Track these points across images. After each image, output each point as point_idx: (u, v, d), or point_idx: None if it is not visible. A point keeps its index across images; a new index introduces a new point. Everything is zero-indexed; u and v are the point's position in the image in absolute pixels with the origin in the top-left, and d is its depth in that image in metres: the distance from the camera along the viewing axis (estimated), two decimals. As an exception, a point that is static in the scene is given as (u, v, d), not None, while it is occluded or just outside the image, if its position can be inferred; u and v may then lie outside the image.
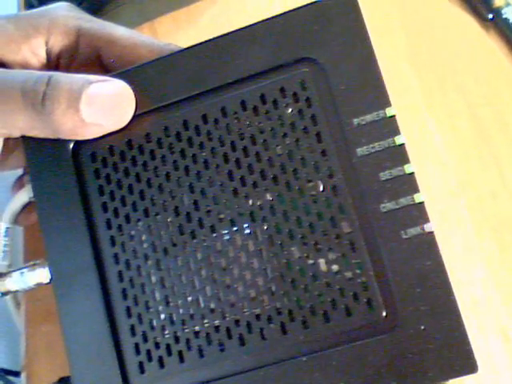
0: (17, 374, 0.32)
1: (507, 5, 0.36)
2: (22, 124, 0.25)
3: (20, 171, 0.31)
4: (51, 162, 0.26)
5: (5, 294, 0.28)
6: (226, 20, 0.40)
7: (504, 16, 0.36)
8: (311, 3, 0.25)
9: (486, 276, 0.31)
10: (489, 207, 0.33)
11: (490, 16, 0.36)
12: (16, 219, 0.29)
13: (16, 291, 0.28)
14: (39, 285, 0.27)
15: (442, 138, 0.34)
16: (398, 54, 0.36)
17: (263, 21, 0.25)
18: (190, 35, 0.40)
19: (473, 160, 0.34)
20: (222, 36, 0.25)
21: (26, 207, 0.29)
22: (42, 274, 0.27)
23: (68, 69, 0.28)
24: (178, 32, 0.40)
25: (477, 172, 0.34)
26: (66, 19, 0.28)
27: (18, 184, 0.31)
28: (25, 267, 0.27)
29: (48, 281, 0.27)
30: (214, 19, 0.40)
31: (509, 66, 0.35)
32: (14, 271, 0.28)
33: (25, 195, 0.28)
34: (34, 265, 0.27)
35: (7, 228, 0.29)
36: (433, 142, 0.34)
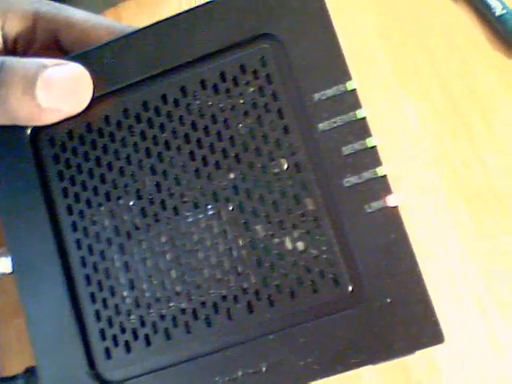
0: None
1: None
2: None
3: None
4: (8, 148, 0.25)
5: (-33, 285, 0.27)
6: (191, 5, 0.39)
7: None
8: None
9: (461, 247, 0.32)
10: (462, 179, 0.33)
11: None
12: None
13: (-21, 282, 0.27)
14: (2, 275, 0.27)
15: (414, 112, 0.34)
16: (370, 29, 0.36)
17: None
18: (154, 20, 0.39)
19: (446, 132, 0.34)
20: (179, 14, 0.25)
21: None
22: (4, 264, 0.26)
23: (26, 53, 0.27)
24: (142, 17, 0.40)
25: (450, 144, 0.34)
26: (23, 3, 0.27)
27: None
28: (-14, 257, 0.27)
29: (11, 270, 0.26)
30: (179, 4, 0.40)
31: (479, 37, 0.35)
32: (-25, 262, 0.27)
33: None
34: (-3, 255, 0.27)
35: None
36: (406, 116, 0.34)
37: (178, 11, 0.39)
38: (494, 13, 0.35)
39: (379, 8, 0.36)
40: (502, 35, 0.35)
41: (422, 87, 0.35)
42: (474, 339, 0.30)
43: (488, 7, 0.35)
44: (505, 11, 0.35)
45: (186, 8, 0.39)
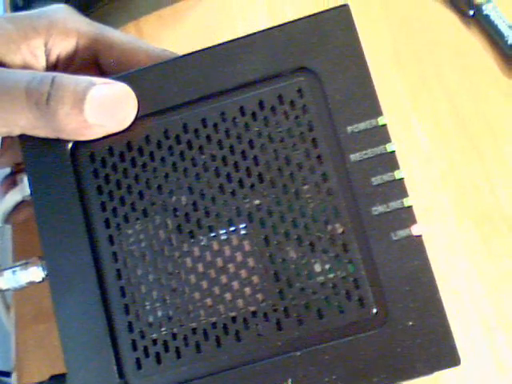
0: (7, 374, 0.32)
1: (488, 1, 0.38)
2: (24, 123, 0.25)
3: (7, 170, 0.31)
4: (49, 161, 0.26)
5: (-4, 292, 0.28)
6: (212, 19, 0.41)
7: (485, 12, 0.38)
8: (309, 15, 0.26)
9: (469, 267, 0.33)
10: (471, 200, 0.34)
11: (471, 12, 0.38)
12: (7, 218, 0.30)
13: (7, 289, 0.28)
14: (31, 283, 0.27)
15: (425, 133, 0.36)
16: (382, 52, 0.38)
17: (263, 30, 0.26)
18: (175, 34, 0.40)
19: (456, 154, 0.35)
20: (223, 43, 0.26)
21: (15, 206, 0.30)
22: (35, 273, 0.27)
23: (66, 71, 0.28)
24: (163, 31, 0.41)
25: (459, 166, 0.35)
26: (66, 21, 0.28)
27: (7, 183, 0.31)
28: (17, 266, 0.28)
29: (40, 279, 0.27)
30: (200, 18, 0.41)
31: (490, 61, 0.37)
32: (5, 270, 0.28)
33: (18, 194, 0.29)
34: (27, 263, 0.27)
35: (-2, 227, 0.30)
36: (416, 138, 0.36)
37: (199, 27, 0.40)
38: (507, 41, 0.37)
39: (392, 31, 0.38)
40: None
41: (432, 109, 0.36)
42: (479, 359, 0.31)
43: (501, 35, 0.37)
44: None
45: (205, 24, 0.41)
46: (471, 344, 0.31)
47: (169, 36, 0.41)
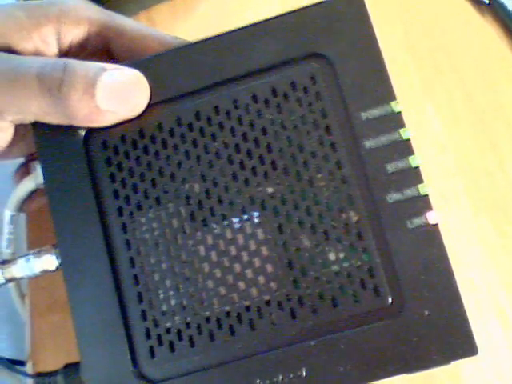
0: (22, 363, 0.32)
1: (503, -12, 0.37)
2: (37, 109, 0.25)
3: (21, 160, 0.31)
4: (62, 149, 0.26)
5: (10, 280, 0.28)
6: (223, 8, 0.40)
7: (500, 0, 0.37)
8: (322, 1, 0.26)
9: (484, 258, 0.33)
10: (486, 189, 0.34)
11: (487, 0, 0.37)
12: (21, 206, 0.30)
13: (21, 278, 0.28)
14: (45, 272, 0.27)
15: (440, 122, 0.35)
16: (396, 40, 0.37)
17: (275, 17, 0.26)
18: (187, 24, 0.40)
19: (470, 142, 0.35)
20: (234, 30, 0.26)
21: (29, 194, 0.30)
22: (49, 261, 0.27)
23: (77, 58, 0.28)
24: (175, 20, 0.40)
25: (474, 154, 0.35)
26: (77, 9, 0.28)
27: (21, 171, 0.31)
28: (31, 254, 0.28)
29: (54, 268, 0.27)
30: (212, 7, 0.41)
31: (505, 49, 0.36)
32: (19, 258, 0.28)
33: (31, 182, 0.29)
34: (40, 251, 0.27)
35: (12, 215, 0.30)
36: (431, 126, 0.35)
37: (211, 16, 0.40)
38: None
39: (405, 21, 0.38)
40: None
41: (447, 98, 0.36)
42: (495, 350, 0.31)
43: None
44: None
45: (218, 13, 0.40)
46: (486, 334, 0.31)
47: (180, 25, 0.41)
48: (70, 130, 0.26)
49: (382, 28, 0.27)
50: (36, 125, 0.26)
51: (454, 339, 0.23)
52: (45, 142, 0.26)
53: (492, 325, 0.31)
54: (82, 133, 0.26)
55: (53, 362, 0.28)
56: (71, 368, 0.27)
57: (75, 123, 0.25)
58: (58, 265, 0.27)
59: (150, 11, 0.41)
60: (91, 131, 0.26)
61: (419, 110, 0.36)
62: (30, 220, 0.34)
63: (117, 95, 0.25)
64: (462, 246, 0.33)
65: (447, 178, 0.34)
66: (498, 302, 0.32)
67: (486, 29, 0.37)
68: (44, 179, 0.26)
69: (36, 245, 0.28)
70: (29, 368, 0.32)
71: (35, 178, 0.28)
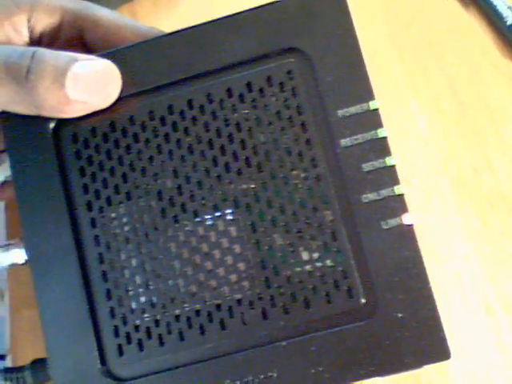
0: (2, 357, 0.31)
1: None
2: (4, 98, 0.24)
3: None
4: (31, 140, 0.26)
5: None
6: (207, 3, 0.39)
7: None
8: None
9: (469, 251, 0.32)
10: (471, 183, 0.34)
11: None
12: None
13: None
14: (14, 265, 0.27)
15: (424, 117, 0.35)
16: (379, 35, 0.37)
17: (251, 9, 0.25)
18: (170, 18, 0.39)
19: (455, 138, 0.35)
20: (209, 22, 0.25)
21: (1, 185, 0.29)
22: (17, 255, 0.26)
23: (50, 48, 0.27)
24: (158, 14, 0.40)
25: (459, 149, 0.34)
26: None
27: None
28: (-2, 247, 0.27)
29: (23, 261, 0.27)
30: (195, 2, 0.40)
31: (489, 44, 0.36)
32: (-13, 251, 0.27)
33: (0, 174, 0.28)
34: (9, 245, 0.27)
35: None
36: (415, 121, 0.35)
37: (194, 10, 0.39)
38: (506, 21, 0.36)
39: (388, 15, 0.37)
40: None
41: (432, 93, 0.36)
42: (481, 342, 0.31)
43: (499, 16, 0.36)
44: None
45: (201, 7, 0.39)
46: (472, 326, 0.31)
47: (163, 19, 0.40)
48: (39, 120, 0.25)
49: (364, 22, 0.26)
50: (4, 114, 0.25)
51: (426, 343, 0.23)
52: (13, 132, 0.26)
53: (478, 317, 0.31)
54: (52, 124, 0.25)
55: (33, 356, 0.27)
56: (39, 363, 0.26)
57: (43, 113, 0.24)
58: (26, 258, 0.26)
59: (133, 4, 0.40)
60: (61, 123, 0.25)
61: (404, 106, 0.35)
62: (8, 208, 0.33)
63: (87, 85, 0.24)
64: (447, 239, 0.33)
65: (432, 173, 0.34)
66: (484, 294, 0.32)
67: (471, 23, 0.36)
68: (12, 171, 0.26)
69: (16, 234, 0.27)
70: (8, 362, 0.31)
71: (4, 170, 0.28)
